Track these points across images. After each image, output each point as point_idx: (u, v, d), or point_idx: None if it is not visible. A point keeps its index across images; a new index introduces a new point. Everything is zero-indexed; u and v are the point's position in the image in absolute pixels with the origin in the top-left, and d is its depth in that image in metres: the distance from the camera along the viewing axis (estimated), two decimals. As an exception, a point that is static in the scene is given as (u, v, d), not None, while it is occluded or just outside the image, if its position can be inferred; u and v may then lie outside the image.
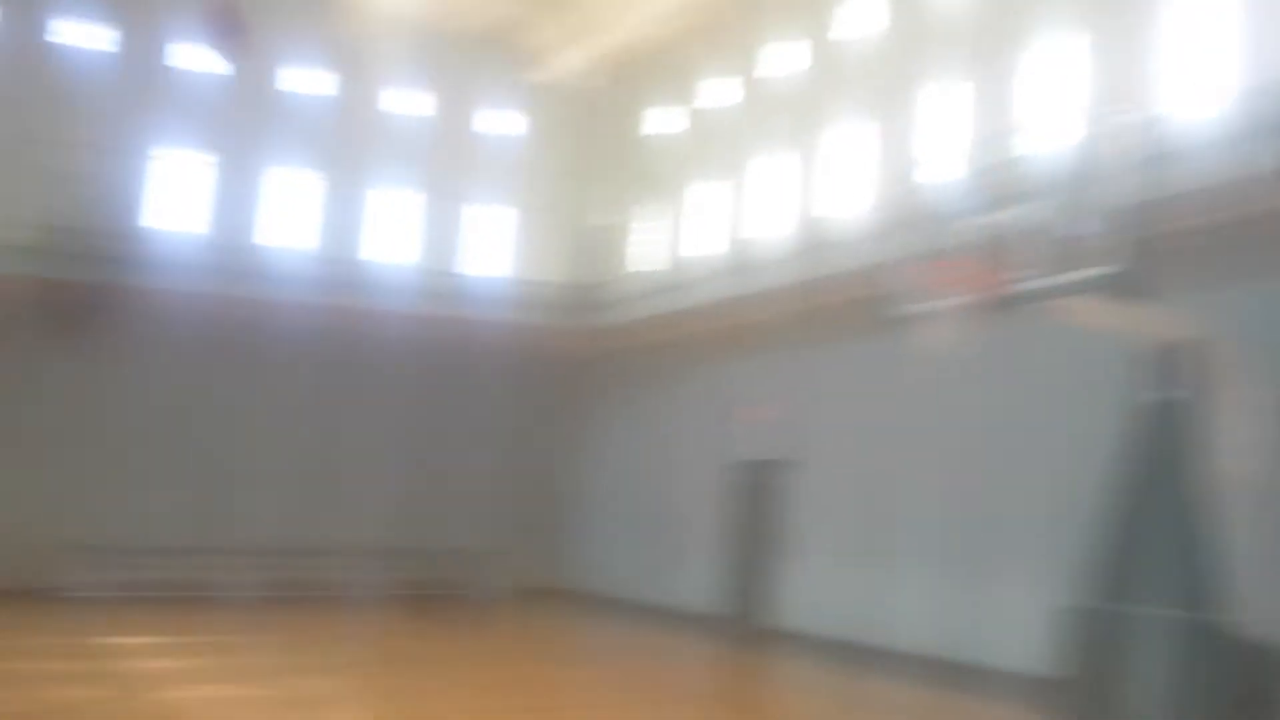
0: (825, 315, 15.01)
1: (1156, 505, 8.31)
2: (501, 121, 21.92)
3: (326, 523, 18.73)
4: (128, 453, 17.92)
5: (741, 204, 17.88)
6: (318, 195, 20.14)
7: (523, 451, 20.90)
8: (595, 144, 22.16)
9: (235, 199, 19.41)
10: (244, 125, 19.44)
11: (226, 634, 14.97)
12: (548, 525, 20.93)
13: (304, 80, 20.14)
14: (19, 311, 17.10)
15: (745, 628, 16.05)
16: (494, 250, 21.38)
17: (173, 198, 19.05)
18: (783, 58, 17.99)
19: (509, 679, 11.98)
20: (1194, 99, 11.09)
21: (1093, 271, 7.98)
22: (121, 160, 18.51)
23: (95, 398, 17.87)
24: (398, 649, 14.14)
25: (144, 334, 17.88)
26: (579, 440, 21.62)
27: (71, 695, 9.92)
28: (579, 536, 21.13)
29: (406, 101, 21.07)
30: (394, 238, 20.58)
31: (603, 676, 12.62)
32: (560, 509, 21.24)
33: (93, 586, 16.50)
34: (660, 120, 21.31)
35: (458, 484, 20.05)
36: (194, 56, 18.73)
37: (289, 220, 19.79)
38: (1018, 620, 11.50)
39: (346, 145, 20.29)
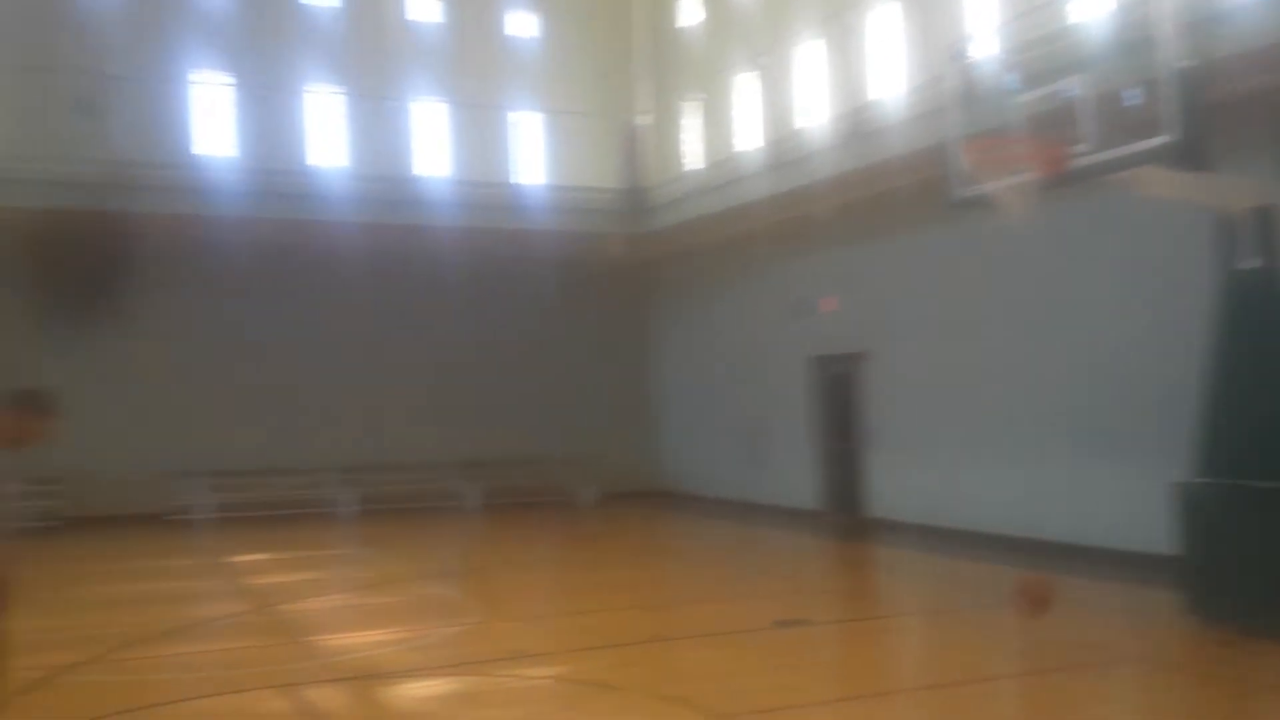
0: (885, 203, 15.20)
1: (1256, 375, 8.41)
2: (528, 24, 21.84)
3: (409, 438, 19.58)
4: (216, 382, 18.70)
5: (785, 94, 17.96)
6: (349, 112, 20.12)
7: (597, 358, 21.53)
8: (628, 41, 22.13)
9: (269, 121, 19.49)
10: (269, 45, 19.55)
11: (338, 548, 15.99)
12: (632, 429, 21.65)
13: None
14: (86, 246, 17.76)
15: (840, 519, 16.40)
16: (538, 158, 21.55)
17: (210, 123, 19.16)
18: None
19: (619, 579, 12.51)
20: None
21: (1152, 141, 8.10)
22: (155, 88, 18.60)
23: (176, 330, 18.53)
24: (506, 555, 14.91)
25: (207, 264, 18.45)
26: (651, 344, 22.15)
27: (214, 610, 10.78)
28: (664, 438, 21.78)
29: (427, 8, 21.02)
30: (432, 151, 20.64)
31: (710, 573, 13.04)
32: (642, 412, 21.90)
33: (208, 509, 17.69)
34: (693, 11, 21.25)
35: (534, 394, 20.76)
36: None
37: (326, 140, 19.87)
38: (1111, 498, 11.78)
39: (373, 59, 20.29)
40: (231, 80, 19.36)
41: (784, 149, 16.89)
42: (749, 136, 18.58)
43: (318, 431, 19.04)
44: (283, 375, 19.12)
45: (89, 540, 15.74)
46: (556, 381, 21.04)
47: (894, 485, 15.56)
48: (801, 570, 13.48)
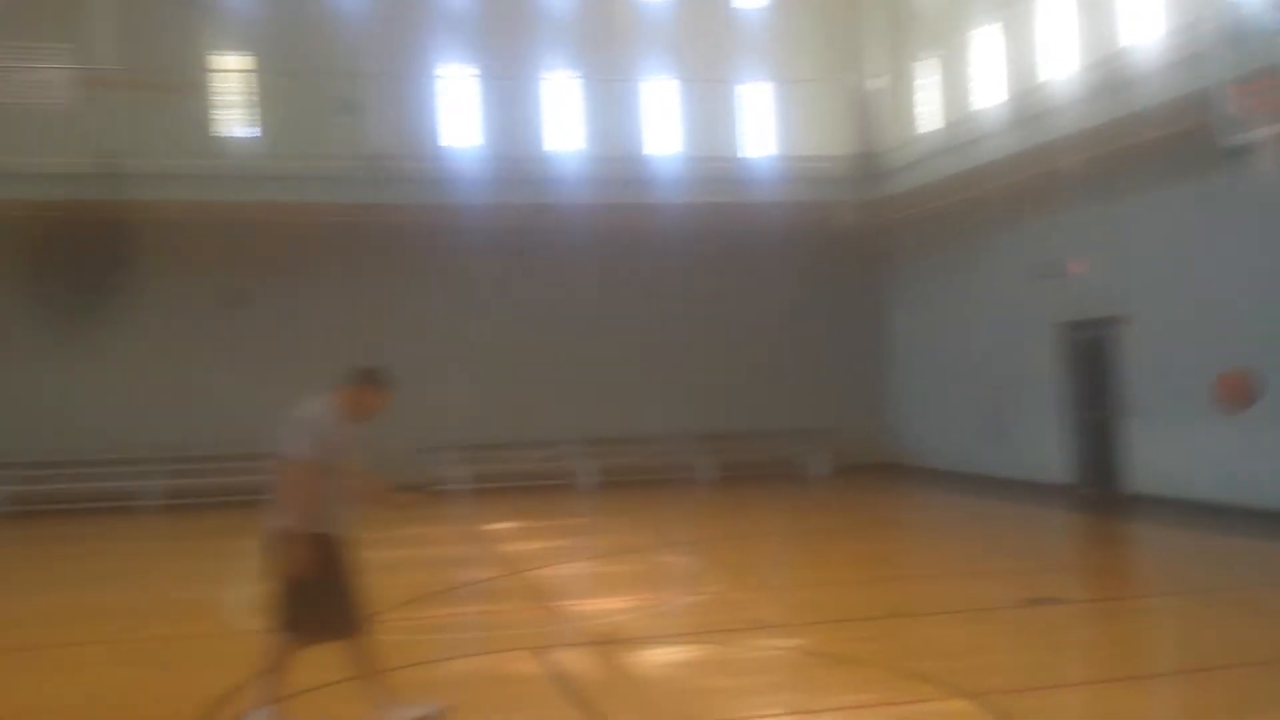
0: (1141, 156, 14.22)
1: None
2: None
3: (644, 412, 20.04)
4: (466, 361, 19.64)
5: (1028, 46, 17.04)
6: (582, 95, 20.49)
7: (829, 329, 21.34)
8: (858, 3, 21.56)
9: (508, 109, 20.07)
10: (506, 35, 20.13)
11: (580, 517, 16.56)
12: (864, 400, 21.39)
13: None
14: (342, 238, 19.09)
15: (1092, 494, 15.57)
16: (766, 129, 21.35)
17: (454, 113, 19.94)
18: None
19: (856, 552, 12.36)
20: None
21: None
22: (407, 84, 19.44)
23: (429, 314, 19.61)
24: (741, 526, 15.01)
25: (453, 249, 19.40)
26: (884, 313, 21.72)
27: (469, 575, 11.40)
28: (898, 409, 21.36)
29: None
30: (663, 129, 20.78)
31: (951, 547, 12.70)
32: (874, 383, 21.57)
33: (462, 480, 18.74)
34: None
35: (766, 366, 20.84)
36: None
37: (561, 124, 20.34)
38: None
39: (604, 41, 20.58)
40: (473, 72, 20.19)
41: (1027, 104, 16.06)
42: (989, 93, 17.76)
43: (560, 407, 19.75)
44: (526, 353, 19.93)
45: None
46: (788, 353, 20.98)
47: (1154, 457, 14.59)
48: (1051, 546, 12.90)
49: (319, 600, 5.82)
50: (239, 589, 10.59)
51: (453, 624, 8.96)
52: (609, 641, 8.01)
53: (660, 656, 7.87)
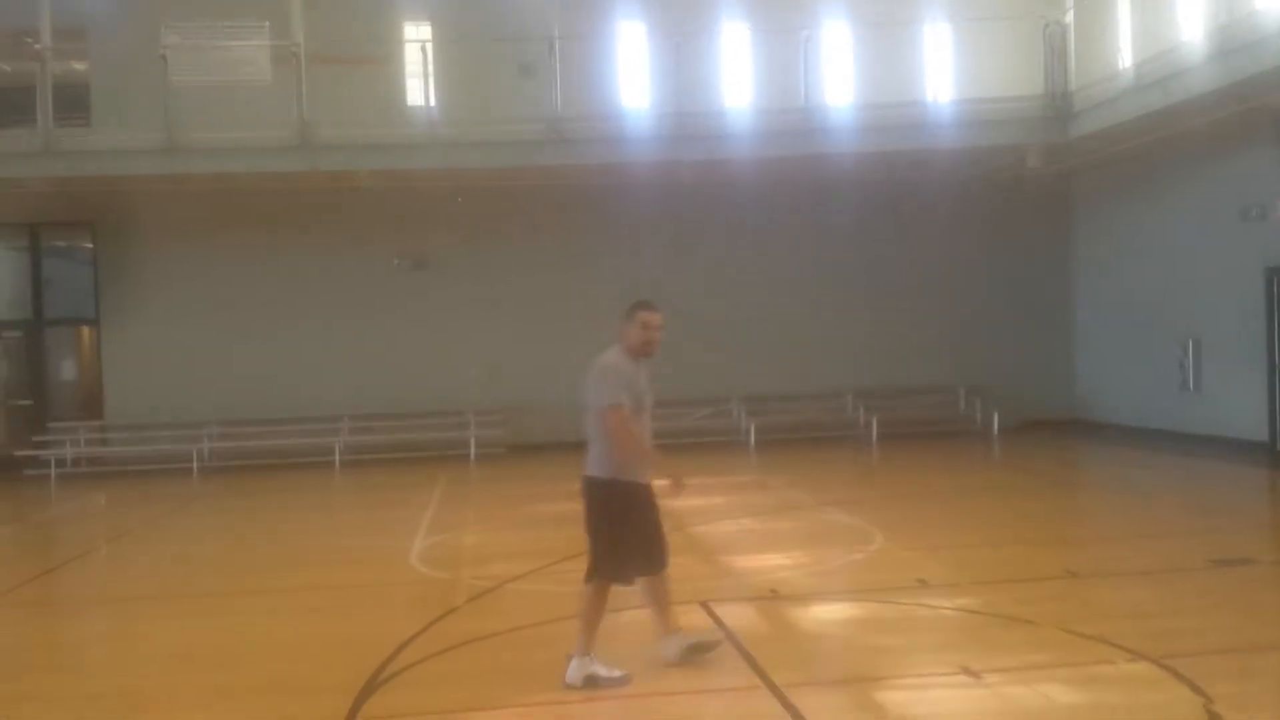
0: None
1: None
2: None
3: (810, 368, 19.87)
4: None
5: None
6: (753, 47, 20.14)
7: (1006, 280, 20.60)
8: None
9: (681, 65, 19.27)
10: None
11: (741, 474, 16.55)
12: (1043, 353, 20.58)
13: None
14: (523, 200, 19.55)
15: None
16: (947, 71, 20.50)
17: (629, 72, 19.91)
18: None
19: (1029, 511, 11.98)
20: None
21: None
22: (582, 44, 19.20)
23: (594, 273, 19.56)
24: (907, 484, 14.71)
25: (618, 209, 19.68)
26: (1065, 262, 20.78)
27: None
28: (1079, 362, 20.49)
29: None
30: (837, 77, 20.11)
31: (1133, 507, 12.16)
32: (1054, 335, 20.72)
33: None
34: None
35: (938, 320, 20.30)
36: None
37: (731, 78, 20.03)
38: None
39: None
40: (646, 29, 20.11)
41: (1234, 34, 14.87)
42: (1191, 24, 16.55)
43: (724, 363, 19.73)
44: (692, 310, 19.76)
45: (528, 465, 17.39)
46: (961, 306, 20.38)
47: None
48: (1243, 505, 12.21)
49: (640, 538, 6.06)
50: (414, 538, 11.14)
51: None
52: (776, 597, 8.06)
53: (827, 613, 7.87)
